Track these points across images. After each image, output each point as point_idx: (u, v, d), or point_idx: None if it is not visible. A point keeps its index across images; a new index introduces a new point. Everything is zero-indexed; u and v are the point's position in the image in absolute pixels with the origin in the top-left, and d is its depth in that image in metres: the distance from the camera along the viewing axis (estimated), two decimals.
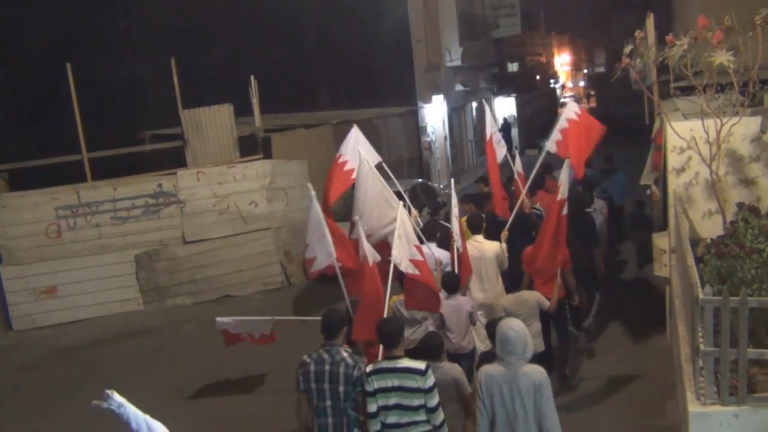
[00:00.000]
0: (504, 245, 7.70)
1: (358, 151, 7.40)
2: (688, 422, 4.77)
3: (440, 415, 4.97)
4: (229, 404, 8.37)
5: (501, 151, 8.85)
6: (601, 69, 62.05)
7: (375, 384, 5.00)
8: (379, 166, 7.65)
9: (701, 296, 4.68)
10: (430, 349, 5.45)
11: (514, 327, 4.72)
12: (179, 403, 8.55)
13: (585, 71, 69.40)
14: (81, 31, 17.40)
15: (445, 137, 23.12)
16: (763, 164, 7.34)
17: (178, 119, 13.28)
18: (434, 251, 7.58)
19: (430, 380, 4.92)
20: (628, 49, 6.70)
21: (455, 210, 7.66)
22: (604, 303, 9.53)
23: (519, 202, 8.40)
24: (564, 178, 7.20)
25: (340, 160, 7.87)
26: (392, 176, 8.40)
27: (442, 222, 9.42)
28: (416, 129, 20.73)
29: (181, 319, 11.85)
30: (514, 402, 4.66)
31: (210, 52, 19.78)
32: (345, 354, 5.19)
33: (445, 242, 7.79)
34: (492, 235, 8.01)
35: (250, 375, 9.13)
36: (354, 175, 7.47)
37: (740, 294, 4.61)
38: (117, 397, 3.63)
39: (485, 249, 7.62)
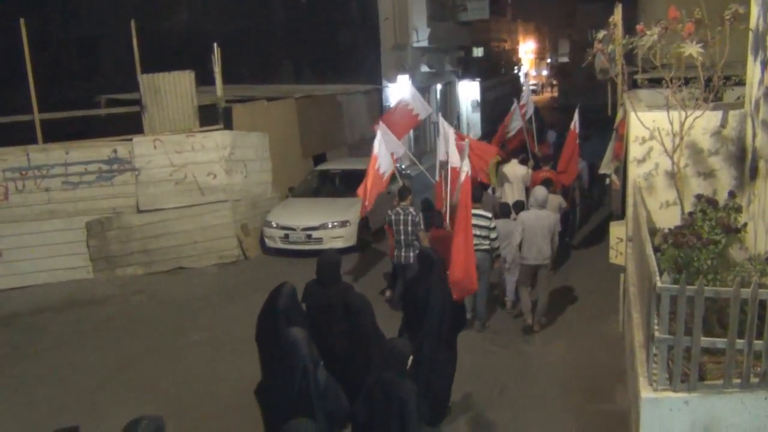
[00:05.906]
0: (530, 170, 12.24)
1: (419, 101, 12.04)
2: (639, 407, 4.83)
3: (497, 242, 9.11)
4: (176, 377, 8.20)
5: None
6: (565, 59, 62.56)
7: None
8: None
9: (659, 284, 4.72)
10: (505, 212, 10.00)
11: (537, 191, 9.16)
12: (125, 375, 8.36)
13: (548, 60, 69.83)
14: None
15: None
16: (721, 158, 7.47)
17: (137, 85, 12.85)
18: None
19: (493, 223, 9.09)
20: (601, 34, 6.71)
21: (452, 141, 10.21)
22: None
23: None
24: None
25: (413, 112, 11.90)
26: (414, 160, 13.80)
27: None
28: (380, 108, 20.52)
29: (132, 289, 11.57)
30: (536, 228, 8.77)
31: (173, 17, 19.20)
32: (411, 209, 9.58)
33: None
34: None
35: (200, 348, 8.98)
36: (421, 118, 12.25)
37: (697, 283, 4.66)
38: None
39: (517, 171, 12.24)
